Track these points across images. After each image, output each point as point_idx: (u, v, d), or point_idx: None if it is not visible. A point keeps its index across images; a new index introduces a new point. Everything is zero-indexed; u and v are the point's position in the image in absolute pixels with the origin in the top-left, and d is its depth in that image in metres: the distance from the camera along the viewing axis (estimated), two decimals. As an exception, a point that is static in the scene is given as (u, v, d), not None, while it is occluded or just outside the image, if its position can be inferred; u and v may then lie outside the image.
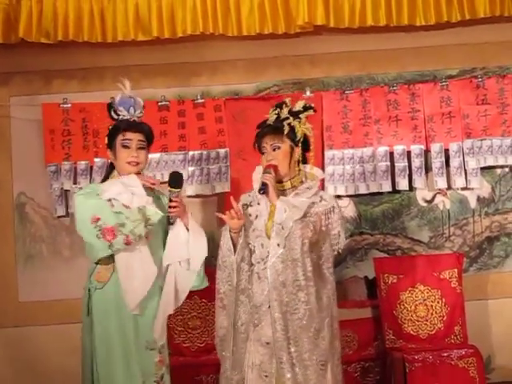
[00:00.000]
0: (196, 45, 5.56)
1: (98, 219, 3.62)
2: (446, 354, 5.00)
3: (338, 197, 5.51)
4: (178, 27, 5.35)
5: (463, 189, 5.67)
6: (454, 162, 5.60)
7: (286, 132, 3.83)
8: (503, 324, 5.59)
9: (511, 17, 5.48)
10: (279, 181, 3.84)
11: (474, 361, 4.97)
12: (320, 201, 3.82)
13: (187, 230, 3.86)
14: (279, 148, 3.84)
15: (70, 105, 5.57)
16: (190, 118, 5.63)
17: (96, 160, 5.53)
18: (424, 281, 5.36)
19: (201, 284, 3.92)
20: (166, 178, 4.02)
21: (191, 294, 3.96)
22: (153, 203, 3.74)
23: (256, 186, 3.87)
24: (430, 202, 5.71)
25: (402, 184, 5.61)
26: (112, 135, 3.91)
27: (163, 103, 5.59)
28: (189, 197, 5.45)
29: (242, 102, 5.63)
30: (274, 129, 3.85)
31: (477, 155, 5.60)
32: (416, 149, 5.62)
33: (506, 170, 5.72)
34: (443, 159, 5.61)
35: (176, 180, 3.89)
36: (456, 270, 5.36)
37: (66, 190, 5.53)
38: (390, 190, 5.61)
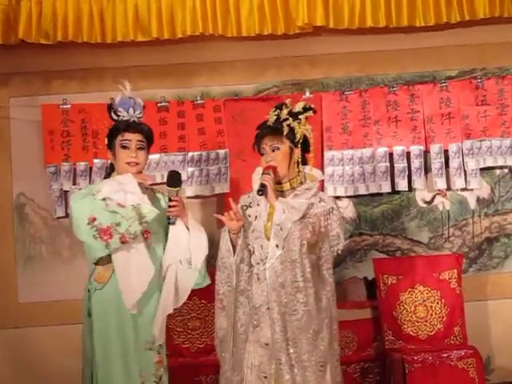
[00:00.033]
0: (195, 46, 5.56)
1: (94, 219, 3.63)
2: (445, 355, 5.01)
3: (338, 197, 5.52)
4: (178, 28, 5.35)
5: (463, 190, 5.67)
6: (454, 163, 5.61)
7: (285, 133, 3.83)
8: (503, 325, 5.59)
9: (511, 18, 5.48)
10: (278, 182, 3.85)
11: (474, 361, 4.98)
12: (319, 202, 3.82)
13: (187, 228, 3.86)
14: (278, 149, 3.84)
15: (69, 106, 5.57)
16: (190, 118, 5.63)
17: (95, 161, 5.52)
18: (423, 281, 5.36)
19: (202, 282, 3.92)
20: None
21: (191, 294, 3.95)
22: (148, 201, 3.74)
23: (255, 187, 3.87)
24: (429, 202, 5.71)
25: (402, 185, 5.61)
26: (111, 136, 3.92)
27: (163, 104, 5.59)
28: (188, 198, 5.44)
29: (242, 103, 5.63)
30: (274, 130, 3.85)
31: (476, 156, 5.60)
32: (415, 149, 5.62)
33: (506, 170, 5.72)
34: (443, 160, 5.61)
35: (174, 179, 3.90)
36: (455, 270, 5.36)
37: (66, 191, 5.53)
38: (390, 190, 5.61)
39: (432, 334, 5.31)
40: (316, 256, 3.78)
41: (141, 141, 3.89)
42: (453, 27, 5.55)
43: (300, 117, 3.89)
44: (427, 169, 5.65)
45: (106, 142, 3.96)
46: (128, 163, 3.85)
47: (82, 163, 5.57)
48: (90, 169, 5.56)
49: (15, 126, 5.65)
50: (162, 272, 3.85)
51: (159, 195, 4.01)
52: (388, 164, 5.60)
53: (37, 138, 5.59)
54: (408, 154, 5.62)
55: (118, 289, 3.73)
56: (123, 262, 3.72)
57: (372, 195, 5.67)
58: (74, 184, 5.53)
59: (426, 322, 5.32)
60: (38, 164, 5.59)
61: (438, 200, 5.71)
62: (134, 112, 3.92)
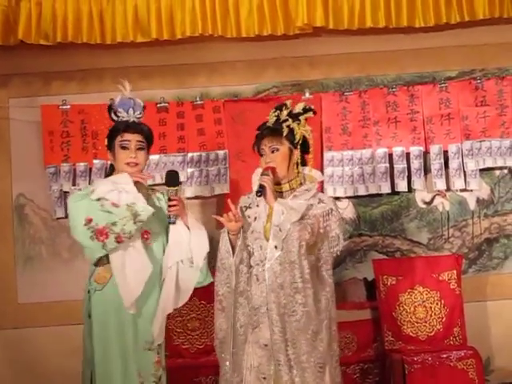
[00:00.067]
0: (195, 46, 5.57)
1: (91, 220, 3.64)
2: (445, 356, 5.01)
3: (337, 198, 5.51)
4: (177, 29, 5.35)
5: (462, 190, 5.67)
6: (453, 164, 5.61)
7: (284, 134, 3.83)
8: (502, 325, 5.58)
9: (510, 18, 5.48)
10: (277, 183, 3.84)
11: (473, 362, 4.97)
12: (318, 203, 3.82)
13: (187, 227, 3.87)
14: (278, 150, 3.83)
15: (69, 106, 5.58)
16: (189, 119, 5.63)
17: (95, 161, 5.53)
18: (423, 282, 5.36)
19: (205, 280, 3.92)
20: (165, 180, 4.02)
21: (191, 295, 3.94)
22: (143, 199, 3.73)
23: (255, 188, 3.86)
24: (429, 203, 5.71)
25: (401, 185, 5.61)
26: (111, 136, 3.91)
27: (162, 105, 5.60)
28: (188, 198, 5.46)
29: (241, 104, 5.63)
30: (273, 131, 3.84)
31: (476, 157, 5.60)
32: (415, 150, 5.62)
33: (505, 171, 5.71)
34: (442, 161, 5.61)
35: (172, 179, 3.91)
36: (455, 271, 5.36)
37: (65, 192, 5.52)
38: (389, 191, 5.61)
39: (432, 334, 5.31)
40: (315, 257, 3.78)
41: (140, 141, 3.88)
42: (452, 28, 5.55)
43: (300, 118, 3.89)
44: (427, 169, 5.65)
45: (106, 142, 3.96)
46: (128, 164, 3.85)
47: (82, 164, 5.57)
48: (90, 169, 5.57)
49: (15, 127, 5.66)
50: (162, 272, 3.85)
51: (160, 195, 4.01)
52: (388, 165, 5.60)
53: (36, 138, 5.60)
54: (408, 154, 5.62)
55: (118, 289, 3.74)
56: (120, 262, 3.72)
57: (371, 196, 5.66)
58: (74, 185, 5.53)
59: (426, 322, 5.32)
60: (37, 165, 5.59)
61: (438, 201, 5.71)
62: (134, 112, 3.92)
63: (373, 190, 5.62)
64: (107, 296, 3.77)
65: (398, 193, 5.66)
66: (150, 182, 5.19)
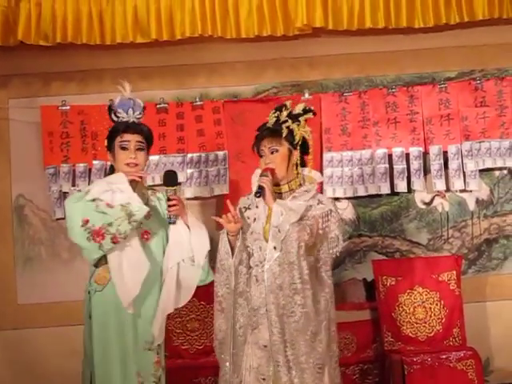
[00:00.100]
0: (194, 47, 5.57)
1: (87, 221, 3.65)
2: (444, 356, 5.01)
3: (337, 199, 5.52)
4: (177, 29, 5.36)
5: (462, 191, 5.67)
6: (453, 164, 5.61)
7: (284, 135, 3.83)
8: (502, 326, 5.58)
9: (510, 19, 5.48)
10: (276, 184, 3.84)
11: (473, 363, 4.97)
12: (318, 204, 3.82)
13: (187, 227, 3.87)
14: (277, 151, 3.83)
15: (68, 107, 5.58)
16: (189, 120, 5.63)
17: (95, 162, 5.53)
18: (422, 283, 5.37)
19: (206, 278, 3.92)
20: (165, 181, 4.02)
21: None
22: (138, 199, 3.74)
23: (254, 188, 3.86)
24: (428, 204, 5.71)
25: (401, 186, 5.61)
26: (111, 137, 3.92)
27: (162, 105, 5.59)
28: (187, 199, 5.45)
29: (241, 104, 5.63)
30: (273, 132, 3.84)
31: (475, 157, 5.60)
32: (415, 151, 5.62)
33: (505, 172, 5.71)
34: (442, 161, 5.61)
35: (171, 179, 3.91)
36: (455, 272, 5.36)
37: (65, 193, 5.52)
38: (389, 192, 5.61)
39: (431, 335, 5.31)
40: (314, 258, 3.78)
41: (140, 141, 3.88)
42: (452, 28, 5.55)
43: (299, 119, 3.89)
44: (426, 170, 5.65)
45: (106, 143, 3.96)
46: (127, 164, 3.85)
47: (82, 165, 5.57)
48: (90, 170, 5.56)
49: (14, 128, 5.66)
50: (163, 273, 3.85)
51: (160, 195, 4.01)
52: (387, 165, 5.60)
53: (36, 139, 5.60)
54: (407, 155, 5.62)
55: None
56: (118, 262, 3.72)
57: (371, 196, 5.66)
58: (74, 185, 5.53)
59: (425, 323, 5.32)
60: (37, 165, 5.59)
61: (437, 201, 5.71)
62: (134, 113, 3.92)
63: (372, 191, 5.62)
64: (107, 297, 3.77)
65: (397, 193, 5.66)
66: (149, 182, 5.25)
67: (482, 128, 5.61)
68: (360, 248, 5.69)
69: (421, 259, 5.57)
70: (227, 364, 3.80)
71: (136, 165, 3.86)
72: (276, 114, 3.90)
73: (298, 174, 3.88)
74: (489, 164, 5.63)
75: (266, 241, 3.72)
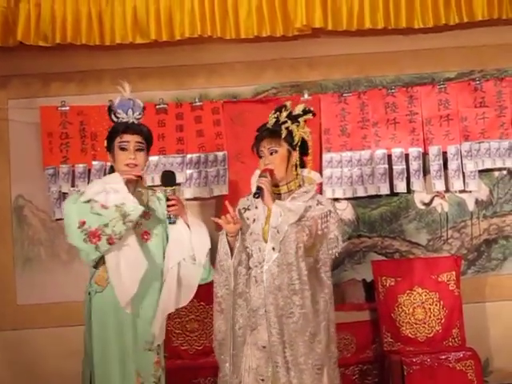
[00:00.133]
0: (194, 47, 5.57)
1: (84, 223, 3.66)
2: (443, 357, 5.01)
3: (336, 199, 5.52)
4: (176, 30, 5.35)
5: (461, 191, 5.67)
6: (452, 165, 5.60)
7: (283, 136, 3.83)
8: (501, 327, 5.58)
9: (509, 19, 5.48)
10: (275, 185, 3.84)
11: (472, 363, 4.97)
12: (317, 205, 3.82)
13: (188, 226, 3.88)
14: (276, 152, 3.83)
15: (67, 108, 5.57)
16: (188, 120, 5.63)
17: (94, 163, 5.53)
18: (422, 283, 5.37)
19: (208, 276, 3.92)
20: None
21: (190, 295, 3.96)
22: (133, 198, 3.74)
23: (253, 189, 3.86)
24: (428, 204, 5.71)
25: (400, 187, 5.61)
26: (110, 138, 3.93)
27: (161, 106, 5.59)
28: (187, 200, 5.45)
29: (240, 105, 5.63)
30: (272, 132, 3.84)
31: (475, 158, 5.60)
32: (414, 151, 5.62)
33: (504, 172, 5.71)
34: (441, 162, 5.61)
35: (169, 179, 3.92)
36: (454, 272, 5.37)
37: (64, 193, 5.52)
38: (388, 192, 5.61)
39: (430, 335, 5.31)
40: (314, 259, 3.78)
41: (139, 142, 3.89)
42: (451, 29, 5.55)
43: (299, 119, 3.89)
44: (426, 171, 5.64)
45: (106, 144, 3.97)
46: (127, 165, 3.85)
47: (81, 165, 5.57)
48: (89, 171, 5.56)
49: (14, 128, 5.66)
50: (163, 273, 3.86)
51: (160, 195, 4.01)
52: (386, 166, 5.60)
53: (35, 139, 5.60)
54: (406, 155, 5.62)
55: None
56: (115, 262, 3.73)
57: (370, 197, 5.66)
58: (73, 186, 5.53)
59: (425, 323, 5.32)
60: (36, 166, 5.59)
61: (437, 202, 5.71)
62: (133, 113, 3.92)
63: (372, 192, 5.62)
64: (107, 298, 3.78)
65: (396, 194, 5.66)
66: (149, 182, 5.26)
67: (481, 128, 5.61)
68: (359, 248, 5.69)
69: (420, 260, 5.56)
70: (227, 365, 3.80)
71: (135, 165, 3.86)
72: (276, 115, 3.90)
73: (297, 174, 3.88)
74: (488, 164, 5.62)
75: (266, 242, 3.72)
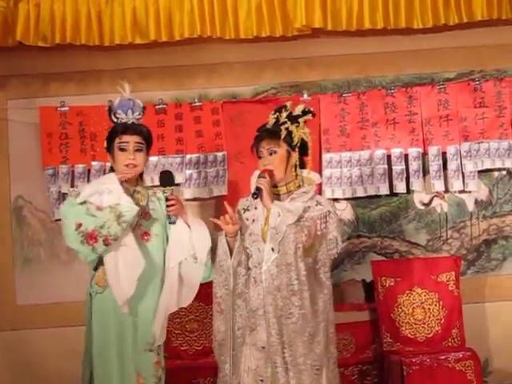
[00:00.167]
0: (193, 48, 5.57)
1: (81, 225, 3.66)
2: (443, 357, 5.01)
3: (336, 200, 5.52)
4: (176, 30, 5.35)
5: (461, 192, 5.67)
6: (452, 165, 5.60)
7: (282, 136, 3.82)
8: (501, 327, 5.58)
9: (509, 20, 5.48)
10: (275, 185, 3.84)
11: (472, 364, 4.97)
12: (316, 205, 3.81)
13: (188, 225, 3.88)
14: (276, 152, 3.83)
15: (67, 108, 5.57)
16: (188, 121, 5.63)
17: (93, 163, 5.53)
18: (421, 284, 5.37)
19: (210, 275, 3.92)
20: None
21: (190, 295, 3.96)
22: (128, 198, 3.74)
23: (252, 190, 3.86)
24: (427, 204, 5.71)
25: (400, 187, 5.61)
26: (110, 138, 3.92)
27: (161, 106, 5.59)
28: (186, 200, 5.45)
29: (240, 105, 5.63)
30: (271, 133, 3.84)
31: (474, 158, 5.60)
32: (413, 152, 5.62)
33: (504, 172, 5.71)
34: (441, 162, 5.61)
35: (167, 179, 3.92)
36: (453, 272, 5.37)
37: (64, 194, 5.50)
38: (388, 192, 5.61)
39: (430, 336, 5.31)
40: (313, 259, 3.77)
41: (139, 142, 3.88)
42: (451, 29, 5.55)
43: (299, 120, 3.88)
44: (425, 171, 5.64)
45: (105, 145, 3.97)
46: (126, 165, 3.85)
47: (80, 165, 5.57)
48: (88, 171, 5.56)
49: (13, 128, 5.66)
50: (164, 273, 3.86)
51: (160, 195, 3.99)
52: (386, 166, 5.60)
53: (35, 140, 5.60)
54: (406, 156, 5.62)
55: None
56: (113, 262, 3.73)
57: (370, 197, 5.66)
58: (72, 186, 5.51)
59: (424, 324, 5.32)
60: (36, 166, 5.59)
61: (436, 202, 5.71)
62: (133, 114, 3.92)
63: (371, 192, 5.62)
64: (108, 299, 3.77)
65: (396, 194, 5.66)
66: (148, 183, 5.25)
67: (480, 129, 5.61)
68: (359, 249, 5.69)
69: (420, 260, 5.56)
70: (227, 366, 3.79)
71: (135, 166, 3.86)
72: (275, 116, 3.90)
73: (296, 175, 3.88)
74: (488, 165, 5.62)
75: (265, 242, 3.72)
